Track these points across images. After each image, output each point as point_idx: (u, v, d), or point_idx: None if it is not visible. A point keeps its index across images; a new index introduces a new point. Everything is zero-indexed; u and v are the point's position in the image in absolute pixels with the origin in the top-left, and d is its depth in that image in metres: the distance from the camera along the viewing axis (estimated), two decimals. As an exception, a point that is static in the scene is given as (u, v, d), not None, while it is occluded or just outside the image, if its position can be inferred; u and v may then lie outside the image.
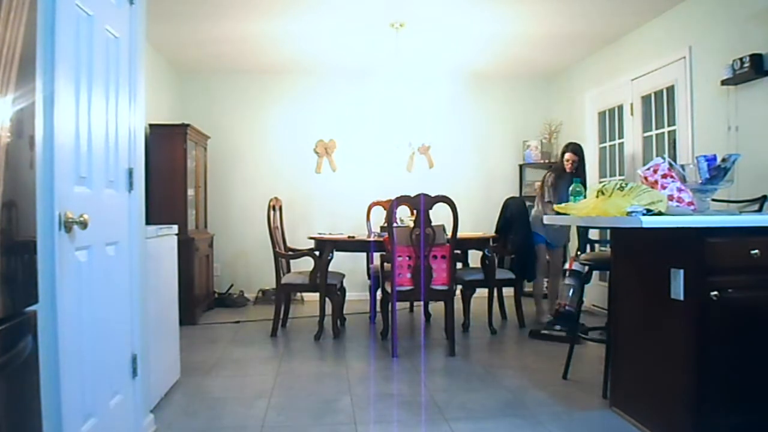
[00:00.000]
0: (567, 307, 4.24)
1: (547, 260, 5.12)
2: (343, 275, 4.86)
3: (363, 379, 3.49)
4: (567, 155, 4.88)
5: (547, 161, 6.42)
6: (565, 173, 4.84)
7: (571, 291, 4.27)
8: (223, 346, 4.31)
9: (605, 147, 5.64)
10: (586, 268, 4.29)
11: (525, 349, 4.18)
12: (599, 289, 5.25)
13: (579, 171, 4.82)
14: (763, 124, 3.53)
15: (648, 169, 2.49)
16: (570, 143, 5.01)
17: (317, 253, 4.60)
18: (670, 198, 2.35)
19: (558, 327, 4.32)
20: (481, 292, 4.82)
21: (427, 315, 5.27)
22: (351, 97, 6.50)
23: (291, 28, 4.94)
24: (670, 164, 2.50)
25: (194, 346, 4.20)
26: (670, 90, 4.53)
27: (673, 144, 4.51)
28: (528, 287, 5.87)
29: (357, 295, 6.03)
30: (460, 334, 4.54)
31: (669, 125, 4.59)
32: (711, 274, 2.19)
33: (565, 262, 5.12)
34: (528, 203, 5.38)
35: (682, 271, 2.28)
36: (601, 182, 4.63)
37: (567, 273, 4.32)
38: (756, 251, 2.18)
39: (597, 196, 2.46)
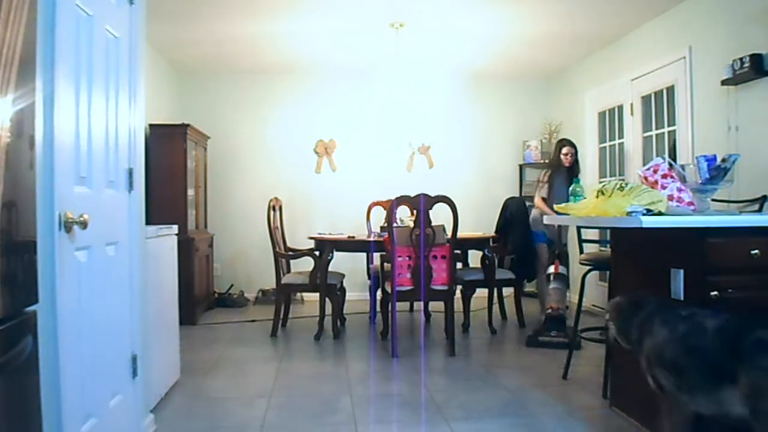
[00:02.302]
0: (559, 311, 4.20)
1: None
2: (343, 275, 4.86)
3: (363, 379, 3.49)
4: (565, 149, 4.89)
5: (547, 161, 6.42)
6: (562, 168, 4.85)
7: (560, 294, 4.25)
8: (223, 346, 4.31)
9: (605, 147, 5.64)
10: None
11: (525, 349, 4.17)
12: (599, 289, 5.25)
13: (575, 165, 4.85)
14: (763, 124, 3.53)
15: (648, 169, 2.49)
16: (563, 138, 5.03)
17: (317, 253, 4.60)
18: (670, 198, 2.35)
19: (554, 333, 4.15)
20: (481, 292, 4.82)
21: (427, 315, 5.27)
22: (351, 97, 6.50)
23: (291, 28, 4.94)
24: (670, 164, 2.50)
25: (194, 346, 4.20)
26: (670, 90, 4.53)
27: (673, 144, 4.51)
28: (529, 287, 5.88)
29: (357, 295, 6.03)
30: (460, 334, 4.54)
31: (669, 125, 4.59)
32: (711, 274, 2.19)
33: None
34: (528, 203, 5.39)
35: (682, 271, 2.28)
36: (601, 182, 4.63)
37: (552, 276, 4.29)
38: (756, 251, 2.18)
39: (597, 196, 2.46)
